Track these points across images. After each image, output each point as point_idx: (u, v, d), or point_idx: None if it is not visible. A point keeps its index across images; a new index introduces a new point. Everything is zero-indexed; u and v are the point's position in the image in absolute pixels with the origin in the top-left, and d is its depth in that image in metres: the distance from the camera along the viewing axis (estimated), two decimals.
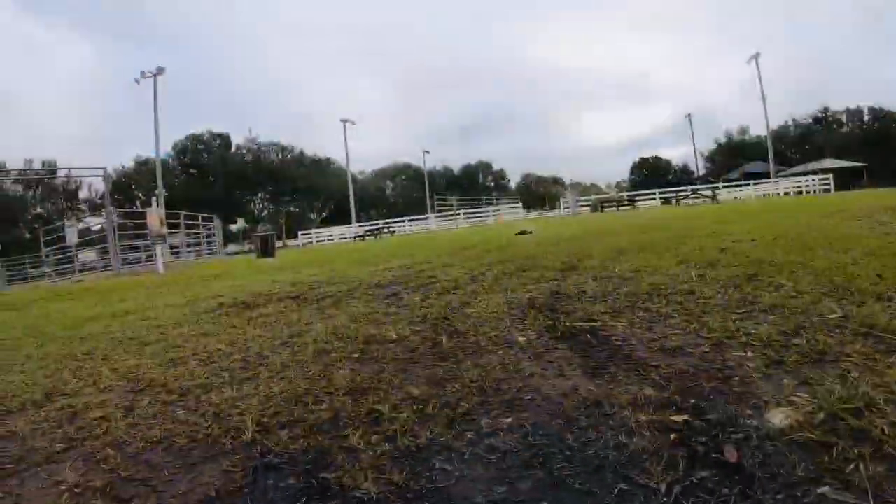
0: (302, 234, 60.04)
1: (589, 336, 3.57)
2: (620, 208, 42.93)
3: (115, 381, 3.71)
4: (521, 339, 3.69)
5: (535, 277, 6.13)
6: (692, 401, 2.41)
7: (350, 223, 61.24)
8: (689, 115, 79.95)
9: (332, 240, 54.64)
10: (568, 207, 51.70)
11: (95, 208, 58.60)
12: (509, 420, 2.43)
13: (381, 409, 2.64)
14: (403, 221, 56.42)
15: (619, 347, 3.28)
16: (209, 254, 33.25)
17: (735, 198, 45.57)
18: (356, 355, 3.67)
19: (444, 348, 3.63)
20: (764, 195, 45.23)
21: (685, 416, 2.28)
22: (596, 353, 3.24)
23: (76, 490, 2.22)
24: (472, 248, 11.97)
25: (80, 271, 27.53)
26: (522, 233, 15.59)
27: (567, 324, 3.89)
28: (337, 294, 6.68)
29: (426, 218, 57.81)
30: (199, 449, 2.46)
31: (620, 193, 66.03)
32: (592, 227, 15.55)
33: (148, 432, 2.70)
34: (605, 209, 43.14)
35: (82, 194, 75.08)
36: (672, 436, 2.15)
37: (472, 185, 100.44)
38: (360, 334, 4.23)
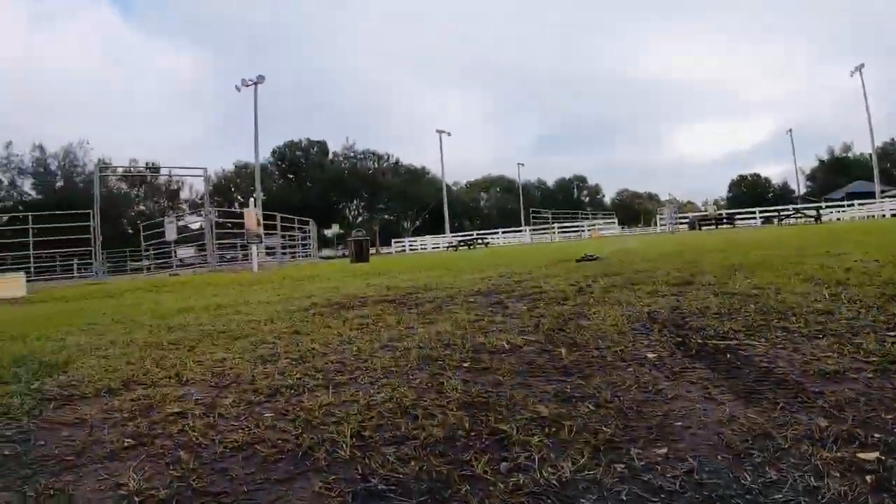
0: (395, 242, 60.78)
1: (728, 355, 3.10)
2: (719, 227, 42.02)
3: (199, 375, 3.41)
4: (650, 355, 3.23)
5: (650, 291, 5.78)
6: (877, 435, 1.92)
7: (443, 233, 61.51)
8: (790, 130, 77.53)
9: (425, 249, 55.22)
10: (665, 224, 50.83)
11: (195, 208, 60.17)
12: (663, 451, 1.94)
13: (505, 429, 2.17)
14: (497, 233, 56.40)
15: (767, 369, 2.80)
16: (304, 256, 33.53)
17: (838, 219, 43.99)
18: (466, 364, 3.25)
19: (567, 362, 3.18)
20: (868, 217, 43.49)
21: (876, 454, 1.79)
22: (742, 374, 2.77)
23: (136, 499, 1.83)
24: (570, 260, 11.54)
25: (177, 266, 28.13)
26: (588, 258, 11.65)
27: (699, 341, 3.44)
28: (436, 300, 6.39)
29: (520, 231, 57.63)
30: (286, 461, 2.04)
31: (719, 211, 64.24)
32: (696, 244, 15.29)
33: (228, 435, 2.31)
34: (703, 227, 42.26)
35: (183, 194, 77.95)
36: (868, 478, 1.66)
37: (567, 199, 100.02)
38: (468, 342, 3.82)
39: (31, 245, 24.97)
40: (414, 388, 2.82)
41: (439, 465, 1.90)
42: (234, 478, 1.94)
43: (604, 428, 2.13)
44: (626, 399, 2.47)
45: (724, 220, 45.68)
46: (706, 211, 73.73)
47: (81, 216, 25.51)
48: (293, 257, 32.65)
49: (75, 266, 32.66)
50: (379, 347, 3.86)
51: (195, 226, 39.16)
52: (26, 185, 69.92)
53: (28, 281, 15.67)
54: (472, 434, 2.17)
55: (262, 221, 22.94)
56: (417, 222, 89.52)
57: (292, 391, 2.89)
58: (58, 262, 32.71)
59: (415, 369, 3.20)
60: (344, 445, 2.10)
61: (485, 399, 2.57)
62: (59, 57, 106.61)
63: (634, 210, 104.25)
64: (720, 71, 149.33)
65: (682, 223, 49.74)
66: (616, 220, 65.18)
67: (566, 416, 2.28)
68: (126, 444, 2.31)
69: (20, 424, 2.70)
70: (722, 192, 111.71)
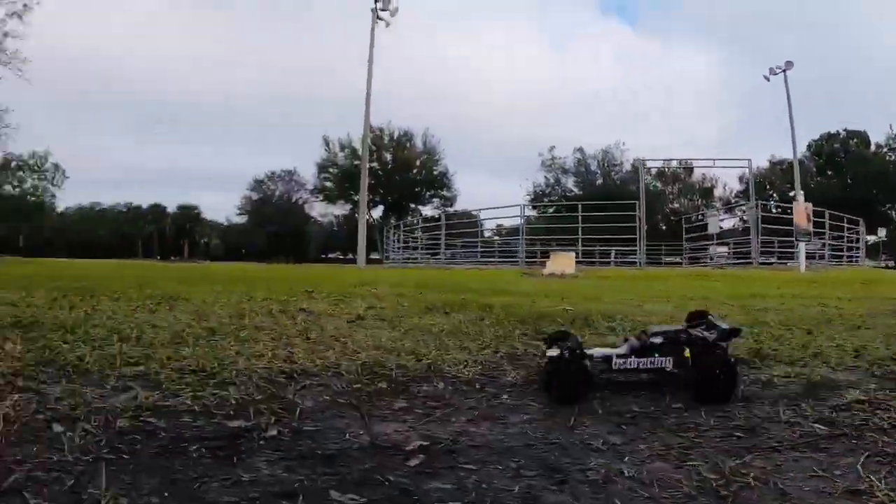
0: None
1: None
2: None
3: None
4: None
5: None
6: None
7: None
8: None
9: None
10: None
11: (727, 205, 59.58)
12: None
13: None
14: None
15: None
16: (849, 261, 30.53)
17: None
18: None
19: None
20: None
21: None
22: None
23: None
24: None
25: (710, 263, 28.03)
26: None
27: None
28: None
29: None
30: None
31: None
32: None
33: None
34: None
35: (716, 192, 77.53)
36: None
37: None
38: None
39: (579, 231, 26.79)
40: None
41: None
42: None
43: None
44: None
45: None
46: None
47: (627, 207, 27.38)
48: (838, 261, 29.81)
49: (612, 254, 34.37)
50: None
51: (725, 224, 38.66)
52: (569, 182, 78.15)
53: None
54: None
55: (812, 217, 21.67)
56: None
57: None
58: (597, 249, 34.74)
59: None
60: None
61: None
62: (587, 70, 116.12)
63: None
64: None
65: None
66: None
67: None
68: None
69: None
70: None
